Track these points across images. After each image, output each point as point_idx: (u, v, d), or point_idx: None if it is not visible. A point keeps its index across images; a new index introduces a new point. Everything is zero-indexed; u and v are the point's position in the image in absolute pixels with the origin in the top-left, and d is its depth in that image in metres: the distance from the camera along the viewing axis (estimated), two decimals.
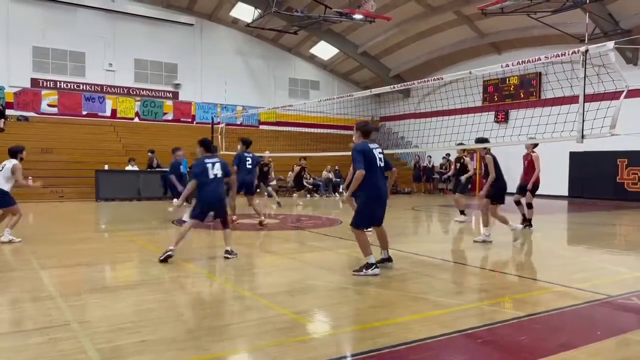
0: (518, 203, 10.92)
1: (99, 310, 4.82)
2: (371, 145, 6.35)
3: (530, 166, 10.41)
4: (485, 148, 9.02)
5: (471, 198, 12.94)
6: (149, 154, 19.97)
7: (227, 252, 7.44)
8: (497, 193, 9.02)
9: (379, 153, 6.37)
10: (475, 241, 9.12)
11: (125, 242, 9.36)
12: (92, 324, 4.37)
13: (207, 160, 7.39)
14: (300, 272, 6.97)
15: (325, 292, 5.85)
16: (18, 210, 8.96)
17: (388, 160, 6.55)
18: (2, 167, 8.78)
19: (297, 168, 19.45)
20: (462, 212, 12.71)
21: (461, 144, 11.42)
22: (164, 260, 6.88)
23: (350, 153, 6.32)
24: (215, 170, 7.30)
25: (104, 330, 4.18)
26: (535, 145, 10.37)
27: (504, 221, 9.18)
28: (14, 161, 8.85)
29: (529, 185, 10.42)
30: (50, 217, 13.31)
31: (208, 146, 7.72)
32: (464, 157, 12.93)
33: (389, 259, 6.84)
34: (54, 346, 3.82)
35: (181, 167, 12.13)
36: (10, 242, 8.58)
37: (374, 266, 6.28)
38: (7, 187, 8.73)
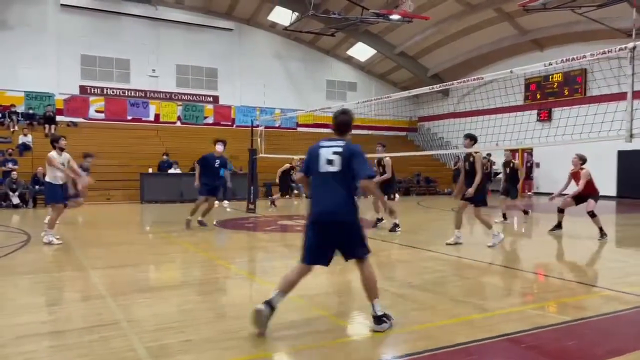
0: (561, 210, 10.49)
1: (145, 310, 4.97)
2: (324, 144, 4.47)
3: (584, 184, 9.86)
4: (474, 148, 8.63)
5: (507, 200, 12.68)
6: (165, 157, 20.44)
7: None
8: (483, 195, 8.72)
9: (333, 154, 4.32)
10: (448, 243, 8.81)
11: (168, 244, 9.59)
12: (139, 323, 4.51)
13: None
14: (339, 274, 6.98)
15: (363, 294, 5.85)
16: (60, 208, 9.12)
17: (359, 165, 4.26)
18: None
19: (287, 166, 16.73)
20: (504, 215, 12.60)
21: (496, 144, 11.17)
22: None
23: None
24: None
25: (151, 329, 4.31)
26: (584, 161, 9.95)
27: (489, 225, 8.74)
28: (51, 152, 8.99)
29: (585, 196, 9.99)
30: (98, 219, 13.76)
31: None
32: (513, 160, 12.79)
33: None
34: (105, 344, 3.97)
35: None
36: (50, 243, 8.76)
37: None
38: (49, 179, 8.97)
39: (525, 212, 12.85)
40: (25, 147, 19.72)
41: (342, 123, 4.53)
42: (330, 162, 4.30)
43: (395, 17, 20.34)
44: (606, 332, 4.49)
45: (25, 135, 20.14)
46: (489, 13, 22.74)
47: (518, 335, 4.18)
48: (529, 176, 24.95)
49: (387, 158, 11.03)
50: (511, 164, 12.76)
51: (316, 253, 4.48)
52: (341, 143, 4.37)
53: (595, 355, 3.81)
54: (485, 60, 25.74)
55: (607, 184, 20.89)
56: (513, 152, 24.89)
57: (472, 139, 8.62)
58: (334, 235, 4.37)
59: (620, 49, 5.62)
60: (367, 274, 4.45)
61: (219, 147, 11.41)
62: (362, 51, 28.55)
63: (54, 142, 9.18)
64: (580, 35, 21.01)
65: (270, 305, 4.27)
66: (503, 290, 6.01)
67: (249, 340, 4.11)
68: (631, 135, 5.54)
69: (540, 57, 22.84)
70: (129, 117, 24.47)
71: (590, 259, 8.49)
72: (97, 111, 23.84)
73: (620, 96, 6.40)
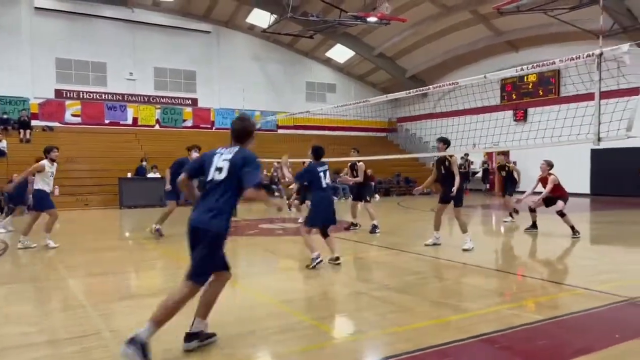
0: (533, 210, 10.79)
1: (126, 319, 4.98)
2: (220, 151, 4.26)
3: (551, 188, 10.19)
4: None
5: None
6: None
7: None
8: (460, 196, 8.71)
9: (224, 160, 4.11)
10: (426, 244, 8.93)
11: (149, 250, 9.56)
12: (121, 332, 4.51)
13: None
14: (320, 278, 7.06)
15: (345, 298, 5.94)
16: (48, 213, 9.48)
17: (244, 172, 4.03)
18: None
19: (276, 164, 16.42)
20: (510, 214, 12.90)
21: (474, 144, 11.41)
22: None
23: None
24: None
25: None
26: (552, 166, 10.30)
27: (464, 229, 8.68)
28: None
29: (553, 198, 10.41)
30: (76, 225, 13.62)
31: None
32: (507, 164, 13.08)
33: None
34: (87, 355, 3.98)
35: None
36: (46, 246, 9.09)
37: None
38: (40, 186, 9.25)
39: (516, 212, 13.01)
40: (0, 153, 19.40)
41: (240, 130, 4.36)
42: (219, 169, 4.08)
43: (372, 19, 20.51)
44: (577, 330, 4.64)
45: None
46: (465, 15, 23.08)
47: (493, 336, 4.30)
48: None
49: (361, 163, 11.16)
50: (506, 168, 13.08)
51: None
52: (236, 149, 4.18)
53: (565, 354, 3.94)
54: (462, 61, 26.09)
55: (581, 182, 21.42)
56: (489, 153, 25.44)
57: (445, 142, 8.75)
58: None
59: (588, 55, 5.81)
60: (214, 294, 4.25)
61: (194, 154, 11.14)
62: (341, 53, 28.70)
63: (47, 152, 9.43)
64: (553, 36, 21.43)
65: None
66: (480, 291, 6.13)
67: (231, 346, 4.16)
68: (599, 139, 5.73)
69: (515, 58, 23.29)
70: (107, 121, 24.23)
71: (564, 257, 8.71)
72: (73, 115, 23.56)
73: (592, 96, 6.58)
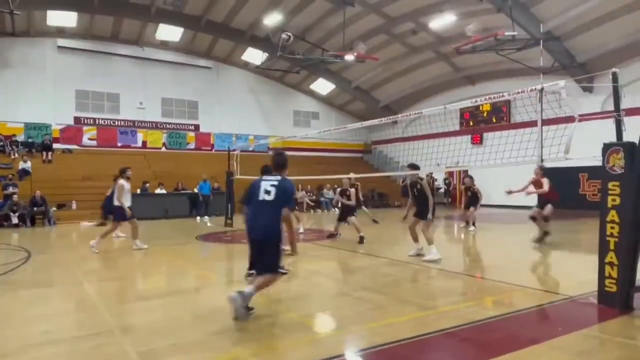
0: (534, 219, 10.54)
1: (136, 318, 4.93)
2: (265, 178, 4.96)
3: (549, 186, 10.14)
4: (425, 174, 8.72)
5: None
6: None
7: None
8: (426, 211, 8.33)
9: (271, 186, 4.77)
10: (410, 255, 8.54)
11: (155, 257, 9.46)
12: (131, 330, 4.47)
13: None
14: (306, 280, 7.05)
15: (328, 298, 5.94)
16: (120, 225, 9.93)
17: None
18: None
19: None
20: (473, 224, 13.15)
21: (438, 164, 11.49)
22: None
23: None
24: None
25: (142, 335, 4.29)
26: (544, 171, 10.22)
27: (430, 241, 8.16)
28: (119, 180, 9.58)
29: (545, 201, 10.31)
30: (91, 236, 13.40)
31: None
32: (472, 186, 13.26)
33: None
34: (100, 350, 3.94)
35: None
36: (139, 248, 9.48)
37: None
38: (119, 203, 9.58)
39: (473, 224, 13.19)
40: (25, 172, 19.08)
41: (278, 162, 5.14)
42: (267, 192, 4.75)
43: (349, 57, 20.74)
44: (527, 324, 4.69)
45: (24, 161, 19.50)
46: (429, 54, 23.46)
47: (454, 330, 4.34)
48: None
49: (352, 189, 11.17)
50: (471, 189, 13.27)
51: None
52: (278, 178, 4.89)
53: (516, 345, 3.99)
54: (427, 92, 26.43)
55: (530, 196, 21.67)
56: (450, 172, 25.70)
57: (414, 167, 8.52)
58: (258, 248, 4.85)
59: (532, 90, 5.96)
60: (267, 279, 4.80)
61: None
62: (323, 86, 28.90)
63: (123, 172, 9.77)
64: (504, 72, 21.84)
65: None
66: (444, 291, 6.17)
67: (230, 341, 4.14)
68: (542, 160, 5.86)
69: (472, 90, 23.67)
70: (119, 144, 23.99)
71: (516, 261, 8.77)
72: (90, 139, 23.30)
73: (536, 123, 6.72)
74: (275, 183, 4.78)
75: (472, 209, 13.15)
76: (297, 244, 7.92)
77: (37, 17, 20.93)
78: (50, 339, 4.23)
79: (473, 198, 13.29)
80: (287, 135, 19.49)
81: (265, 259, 4.77)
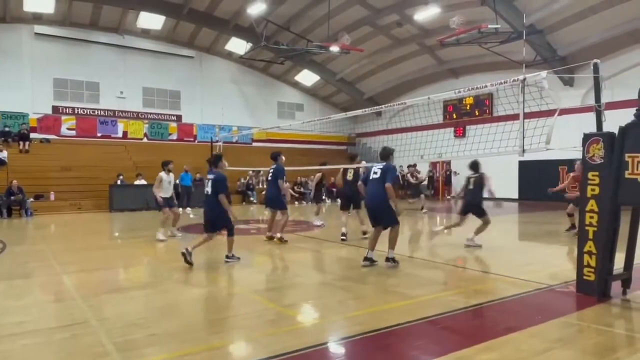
0: (571, 215, 10.43)
1: (113, 309, 4.83)
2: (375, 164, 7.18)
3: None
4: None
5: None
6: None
7: (227, 256, 7.37)
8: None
9: (378, 169, 6.90)
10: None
11: (136, 248, 9.32)
12: (108, 321, 4.39)
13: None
14: (288, 270, 7.02)
15: (310, 287, 5.92)
16: (168, 212, 10.09)
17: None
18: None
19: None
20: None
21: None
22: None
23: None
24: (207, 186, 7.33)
25: (119, 326, 4.20)
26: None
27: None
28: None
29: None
30: (69, 227, 13.18)
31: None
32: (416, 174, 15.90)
33: None
34: (76, 341, 3.84)
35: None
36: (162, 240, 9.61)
37: None
38: (161, 194, 9.96)
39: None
40: (0, 162, 18.62)
41: (384, 153, 7.09)
42: (375, 173, 6.85)
43: (334, 49, 20.67)
44: (506, 312, 4.74)
45: (0, 151, 19.03)
46: (413, 47, 23.48)
47: (435, 318, 4.35)
48: (448, 182, 25.87)
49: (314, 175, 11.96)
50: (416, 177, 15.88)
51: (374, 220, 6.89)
52: (383, 164, 6.92)
53: (497, 331, 4.02)
54: (411, 85, 26.49)
55: (511, 189, 22.00)
56: (434, 163, 25.85)
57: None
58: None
59: (514, 81, 5.98)
60: (393, 233, 6.78)
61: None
62: (307, 77, 28.74)
63: (164, 165, 10.17)
64: (487, 65, 22.00)
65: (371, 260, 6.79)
66: (425, 281, 6.20)
67: (209, 332, 4.09)
68: (523, 151, 5.90)
69: (456, 83, 23.79)
70: (99, 134, 23.54)
71: (497, 252, 8.86)
72: (68, 129, 22.81)
73: (518, 116, 6.76)
74: (381, 167, 6.83)
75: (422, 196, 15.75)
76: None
77: (13, 3, 20.33)
78: (25, 330, 4.13)
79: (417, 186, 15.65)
80: (270, 126, 19.32)
81: (385, 218, 6.74)
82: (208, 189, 7.25)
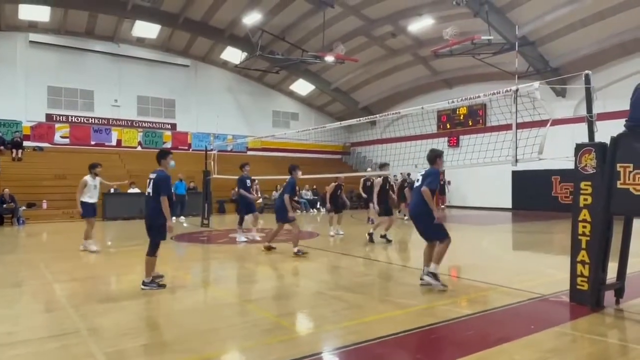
0: None
1: (105, 319, 4.78)
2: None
3: None
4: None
5: None
6: None
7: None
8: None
9: (420, 175, 6.31)
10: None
11: (128, 257, 9.24)
12: (99, 331, 4.33)
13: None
14: (283, 280, 6.98)
15: (304, 296, 5.89)
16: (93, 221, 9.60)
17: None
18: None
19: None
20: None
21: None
22: None
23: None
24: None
25: (110, 336, 4.15)
26: None
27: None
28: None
29: None
30: (61, 236, 13.06)
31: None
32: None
33: None
34: (66, 351, 3.79)
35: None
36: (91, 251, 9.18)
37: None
38: (86, 199, 9.37)
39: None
40: None
41: (430, 157, 6.27)
42: (418, 180, 6.22)
43: (329, 58, 20.79)
44: (499, 322, 4.73)
45: None
46: (407, 57, 23.65)
47: (429, 328, 4.34)
48: (442, 192, 25.91)
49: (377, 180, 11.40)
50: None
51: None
52: (427, 169, 6.21)
53: (490, 341, 4.01)
54: (405, 95, 26.64)
55: (504, 198, 22.08)
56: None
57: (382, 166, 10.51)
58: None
59: (507, 91, 6.04)
60: (439, 247, 5.99)
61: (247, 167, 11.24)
62: (302, 86, 28.84)
63: (91, 168, 9.57)
64: (480, 76, 22.19)
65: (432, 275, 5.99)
66: (420, 290, 6.17)
67: (202, 342, 4.04)
68: (516, 160, 5.94)
69: (449, 94, 23.91)
70: (93, 142, 23.44)
71: (490, 261, 8.89)
72: (62, 137, 22.70)
73: (511, 126, 6.81)
74: (423, 172, 6.20)
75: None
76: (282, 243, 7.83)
77: (8, 11, 20.33)
78: (14, 340, 4.07)
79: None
80: (265, 135, 19.34)
81: (425, 231, 6.08)
82: (149, 189, 6.28)
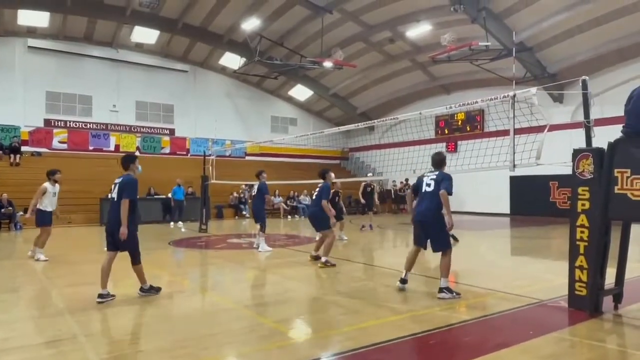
0: None
1: (102, 324, 4.76)
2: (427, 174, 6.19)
3: None
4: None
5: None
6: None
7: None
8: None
9: (430, 179, 6.00)
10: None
11: (126, 262, 9.18)
12: (96, 337, 4.32)
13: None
14: (280, 285, 6.95)
15: (301, 302, 5.87)
16: (49, 230, 9.14)
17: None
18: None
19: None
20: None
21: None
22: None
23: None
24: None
25: (107, 342, 4.14)
26: None
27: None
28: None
29: None
30: (59, 241, 13.00)
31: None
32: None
33: None
34: (63, 357, 3.76)
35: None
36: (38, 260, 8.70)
37: None
38: (43, 207, 8.97)
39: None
40: None
41: (437, 160, 6.04)
42: (428, 185, 5.90)
43: (328, 64, 20.86)
44: (497, 328, 4.72)
45: None
46: (406, 63, 23.74)
47: (426, 334, 4.32)
48: None
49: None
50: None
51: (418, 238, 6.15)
52: (437, 173, 5.93)
53: (487, 347, 3.99)
54: (403, 100, 26.71)
55: (502, 203, 22.10)
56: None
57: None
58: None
59: (504, 97, 6.05)
60: (444, 260, 5.80)
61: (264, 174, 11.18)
62: (301, 92, 28.91)
63: (50, 174, 9.25)
64: (478, 82, 22.26)
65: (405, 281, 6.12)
66: (418, 295, 6.16)
67: (199, 347, 4.02)
68: (514, 166, 5.94)
69: (447, 99, 24.02)
70: (91, 148, 23.43)
71: (488, 266, 8.88)
72: (60, 142, 22.69)
73: (509, 132, 6.82)
74: (434, 176, 5.88)
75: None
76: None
77: (7, 16, 20.36)
78: (10, 346, 4.04)
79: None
80: (264, 140, 19.35)
81: (434, 239, 5.87)
82: (113, 194, 5.99)
